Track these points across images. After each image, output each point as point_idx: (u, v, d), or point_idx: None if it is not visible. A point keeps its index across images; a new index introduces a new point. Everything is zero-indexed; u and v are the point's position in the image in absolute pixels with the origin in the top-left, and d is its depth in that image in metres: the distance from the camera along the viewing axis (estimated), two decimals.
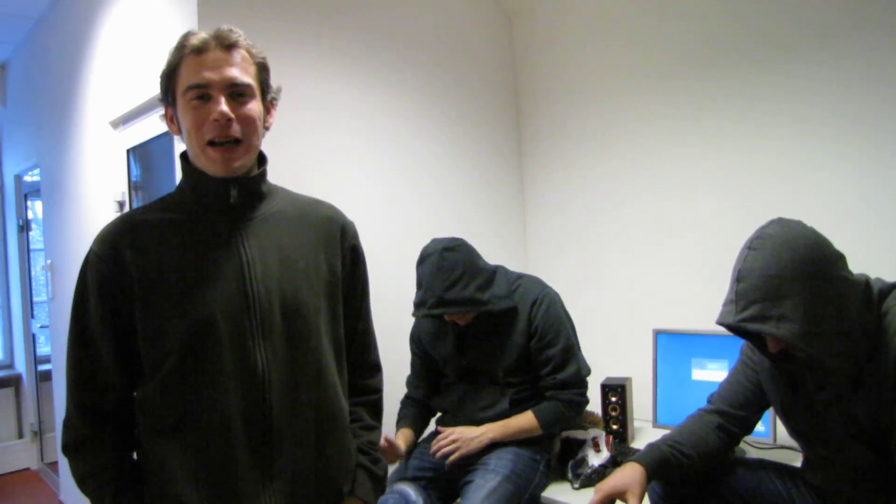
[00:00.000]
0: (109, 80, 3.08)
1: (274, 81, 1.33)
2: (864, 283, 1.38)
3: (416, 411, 2.31)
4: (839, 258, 1.36)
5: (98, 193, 3.27)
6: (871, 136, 2.23)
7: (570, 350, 2.12)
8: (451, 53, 3.11)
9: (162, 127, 2.71)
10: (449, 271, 2.04)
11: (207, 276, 1.23)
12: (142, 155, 3.06)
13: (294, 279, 1.29)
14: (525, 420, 2.09)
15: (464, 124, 3.14)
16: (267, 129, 1.33)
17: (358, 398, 1.46)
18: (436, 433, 2.28)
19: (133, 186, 3.09)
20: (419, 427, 2.29)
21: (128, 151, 3.07)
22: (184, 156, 1.32)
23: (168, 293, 1.21)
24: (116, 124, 3.11)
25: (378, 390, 1.51)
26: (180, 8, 2.40)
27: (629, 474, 1.52)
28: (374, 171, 2.80)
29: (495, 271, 2.19)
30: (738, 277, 1.36)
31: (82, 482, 1.26)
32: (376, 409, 1.49)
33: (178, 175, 2.44)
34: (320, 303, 1.32)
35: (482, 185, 3.20)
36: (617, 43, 2.93)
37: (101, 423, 1.25)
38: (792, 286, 1.29)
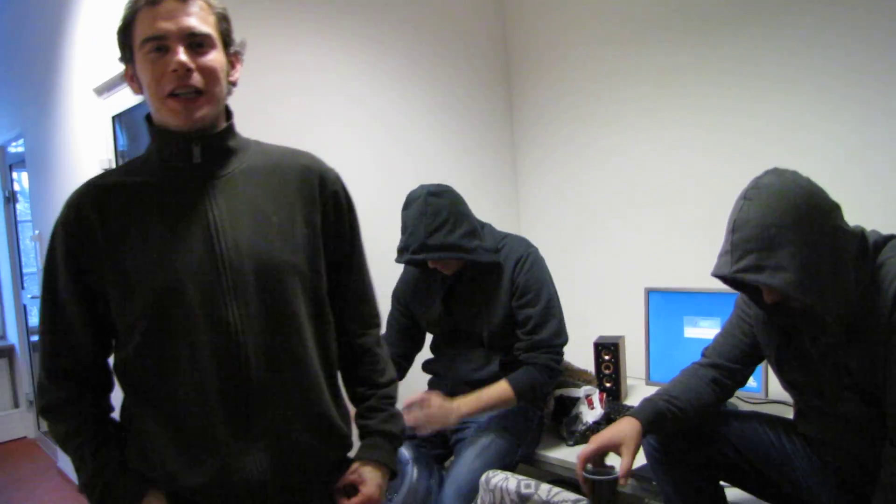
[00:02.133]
0: (93, 47, 3.02)
1: (239, 35, 1.29)
2: (860, 235, 1.38)
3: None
4: (835, 208, 1.35)
5: (84, 162, 3.23)
6: (860, 96, 2.22)
7: (550, 311, 2.07)
8: (441, 11, 3.06)
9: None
10: (433, 216, 1.99)
11: (174, 238, 1.20)
12: (128, 122, 3.02)
13: (267, 236, 1.25)
14: (499, 390, 2.01)
15: (454, 84, 3.10)
16: (233, 83, 1.28)
17: (361, 357, 1.42)
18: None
19: (120, 155, 3.05)
20: None
21: (113, 118, 3.03)
22: (149, 117, 1.28)
23: (134, 257, 1.20)
24: (101, 91, 3.06)
25: (381, 344, 1.47)
26: None
27: (625, 428, 1.53)
28: (364, 134, 2.77)
29: (483, 226, 2.15)
30: (734, 227, 1.34)
31: (63, 442, 1.26)
32: (383, 365, 1.45)
33: None
34: (298, 258, 1.28)
35: (473, 146, 3.17)
36: (609, 4, 2.88)
37: (76, 387, 1.25)
38: (787, 235, 1.28)
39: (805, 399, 1.53)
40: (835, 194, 1.39)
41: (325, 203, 1.33)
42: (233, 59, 1.28)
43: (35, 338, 4.95)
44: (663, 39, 2.71)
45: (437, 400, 1.98)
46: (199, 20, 1.19)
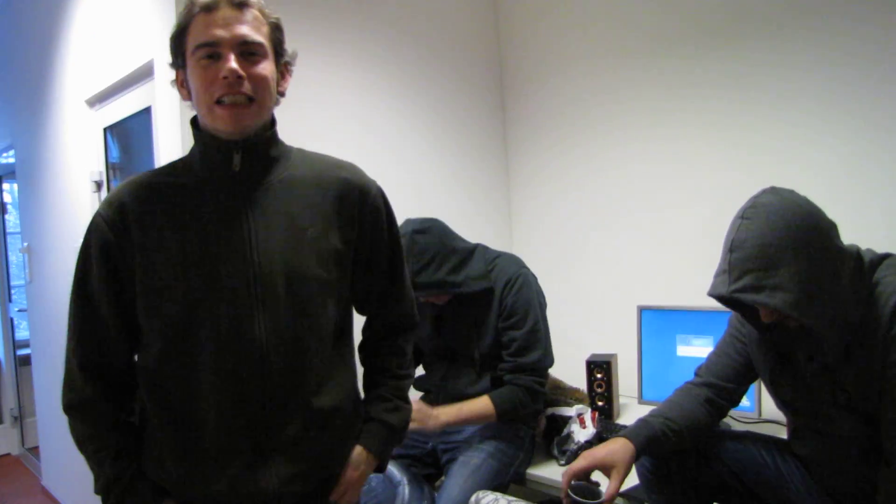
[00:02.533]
0: (85, 58, 3.01)
1: (290, 46, 1.29)
2: (856, 253, 1.37)
3: None
4: (832, 227, 1.35)
5: (75, 174, 3.21)
6: (859, 111, 2.22)
7: (536, 335, 2.05)
8: (435, 29, 3.06)
9: (139, 105, 2.68)
10: (419, 255, 1.99)
11: (208, 245, 1.20)
12: (120, 134, 3.00)
13: (300, 249, 1.25)
14: (480, 405, 2.01)
15: (448, 101, 3.10)
16: (281, 94, 1.29)
17: (390, 350, 1.43)
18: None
19: (111, 167, 3.04)
20: None
21: (105, 130, 3.02)
22: (194, 121, 1.28)
23: (167, 261, 1.19)
24: (93, 102, 3.05)
25: (409, 342, 1.47)
26: None
27: (618, 450, 1.51)
28: (357, 149, 2.75)
29: (473, 251, 2.13)
30: (731, 247, 1.33)
31: (81, 443, 1.25)
32: (407, 361, 1.45)
33: (157, 155, 2.43)
34: (330, 274, 1.27)
35: (466, 162, 3.16)
36: (603, 18, 2.89)
37: (104, 385, 1.24)
38: (786, 255, 1.27)
39: (800, 419, 1.52)
40: (833, 208, 1.39)
41: (363, 217, 1.33)
42: (283, 69, 1.28)
43: (21, 352, 4.90)
44: (657, 55, 2.72)
45: (416, 404, 1.97)
46: (252, 29, 1.20)
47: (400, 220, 2.11)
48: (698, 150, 2.62)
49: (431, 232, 2.05)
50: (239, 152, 1.23)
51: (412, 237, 2.01)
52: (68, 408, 1.25)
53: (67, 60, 3.23)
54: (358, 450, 1.34)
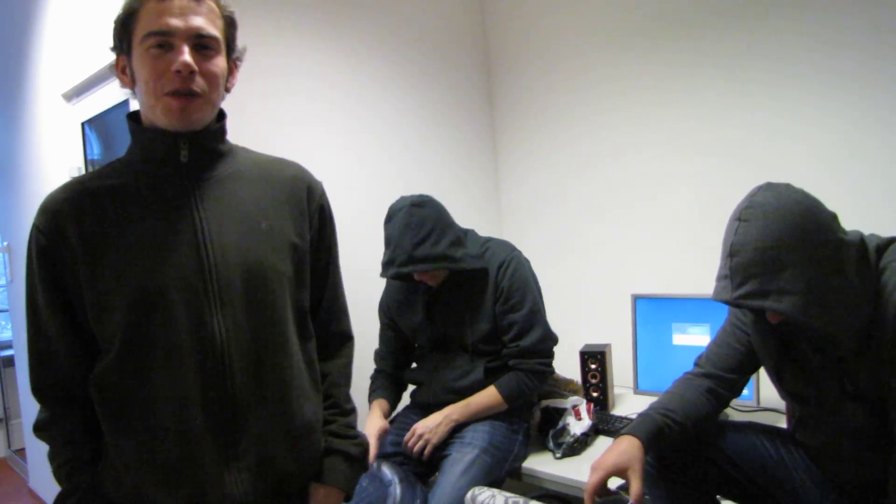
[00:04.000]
0: (61, 51, 2.94)
1: (240, 41, 1.24)
2: (859, 241, 1.32)
3: (387, 382, 2.24)
4: (832, 219, 1.29)
5: (53, 170, 3.14)
6: (860, 90, 2.17)
7: (536, 316, 2.04)
8: (419, 14, 3.00)
9: (117, 97, 2.61)
10: (418, 227, 1.95)
11: (157, 243, 1.14)
12: (100, 128, 2.93)
13: (256, 242, 1.20)
14: (487, 396, 2.01)
15: (434, 87, 3.04)
16: (228, 90, 1.23)
17: (329, 376, 1.36)
18: (410, 406, 2.23)
19: (90, 163, 2.96)
20: (393, 397, 2.23)
21: (83, 125, 2.95)
22: (132, 116, 1.22)
23: (113, 264, 1.13)
24: (70, 96, 2.98)
25: (348, 364, 1.42)
26: None
27: (627, 450, 1.45)
28: (343, 137, 2.70)
29: (466, 233, 2.12)
30: (731, 252, 1.28)
31: (49, 460, 1.21)
32: (347, 389, 1.40)
33: None
34: (286, 267, 1.23)
35: (454, 149, 3.11)
36: (590, 1, 2.84)
37: (62, 404, 1.20)
38: (789, 257, 1.23)
39: (805, 408, 1.48)
40: (829, 195, 1.34)
41: (311, 215, 1.30)
42: (232, 65, 1.23)
43: (5, 353, 4.83)
44: (647, 43, 2.66)
45: (419, 424, 2.01)
46: (207, 21, 1.14)
47: (385, 209, 2.08)
48: (692, 135, 2.57)
49: (429, 206, 2.02)
50: (186, 144, 1.18)
51: (409, 209, 1.98)
52: (33, 428, 1.22)
53: (42, 54, 3.16)
54: (325, 491, 1.29)
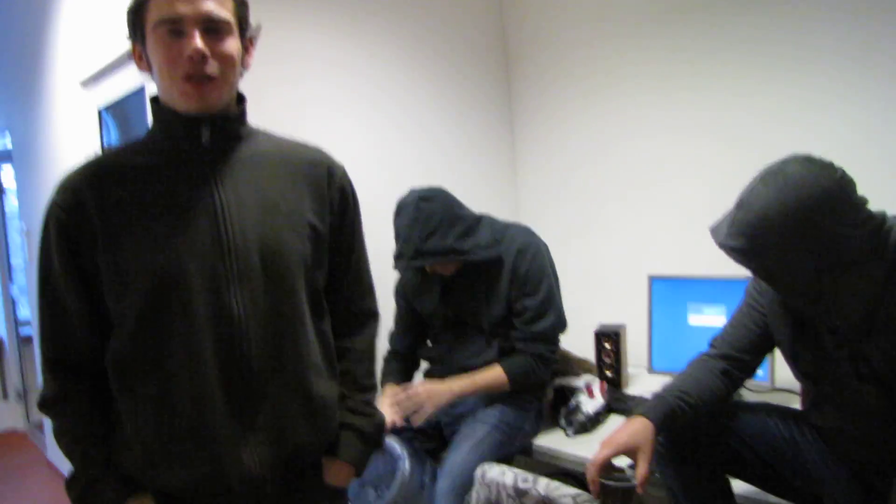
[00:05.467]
0: (77, 38, 2.96)
1: (253, 20, 1.23)
2: (881, 223, 1.29)
3: (400, 366, 2.25)
4: (852, 208, 1.26)
5: (70, 156, 3.16)
6: (878, 73, 2.11)
7: (550, 302, 2.03)
8: (441, 3, 2.98)
9: (133, 84, 2.61)
10: (426, 221, 1.96)
11: (176, 220, 1.15)
12: (119, 114, 2.95)
13: (275, 222, 1.21)
14: (493, 374, 2.01)
15: (452, 71, 3.02)
16: (245, 68, 1.24)
17: (350, 352, 1.37)
18: (422, 384, 2.23)
19: (107, 150, 2.98)
20: (405, 381, 2.23)
21: (100, 111, 2.96)
22: (154, 99, 1.22)
23: (132, 241, 1.14)
24: (87, 83, 3.00)
25: (370, 341, 1.43)
26: None
27: (639, 430, 1.44)
28: (362, 122, 2.70)
29: (479, 220, 2.10)
30: (740, 203, 1.31)
31: (57, 438, 1.21)
32: (370, 366, 1.41)
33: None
34: (305, 248, 1.23)
35: (472, 133, 3.09)
36: None
37: (73, 379, 1.20)
38: (781, 234, 1.24)
39: (820, 389, 1.46)
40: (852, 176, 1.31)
41: (332, 197, 1.30)
42: (247, 44, 1.23)
43: (24, 330, 4.90)
44: (666, 22, 2.62)
45: (422, 386, 1.99)
46: (217, 4, 1.14)
47: (403, 192, 2.08)
48: (709, 118, 2.54)
49: (437, 199, 2.02)
50: (207, 127, 1.18)
51: (417, 204, 1.98)
52: (41, 405, 1.21)
53: (60, 42, 3.18)
54: (337, 465, 1.30)
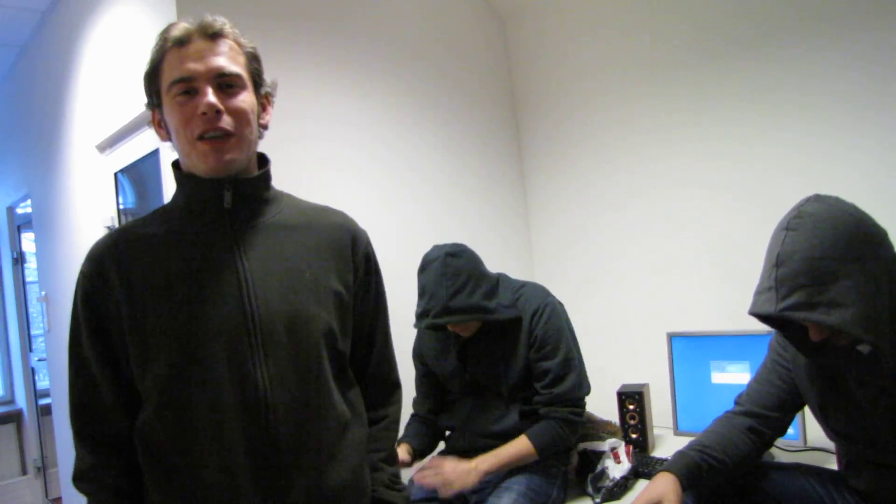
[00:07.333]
0: (94, 104, 3.02)
1: (268, 76, 1.24)
2: None
3: (420, 428, 2.19)
4: (884, 235, 1.25)
5: (87, 220, 3.20)
6: (887, 126, 2.13)
7: (569, 363, 1.99)
8: (446, 59, 3.04)
9: (148, 147, 2.66)
10: (454, 277, 1.92)
11: (200, 291, 1.14)
12: (135, 177, 2.99)
13: (299, 292, 1.19)
14: (519, 445, 1.94)
15: (462, 129, 3.06)
16: (264, 127, 1.24)
17: (377, 423, 1.35)
18: (444, 452, 2.18)
19: (123, 213, 3.02)
20: (421, 442, 2.16)
21: (116, 175, 3.01)
22: (175, 164, 1.23)
23: (154, 312, 1.13)
24: (103, 147, 3.05)
25: (397, 412, 1.41)
26: (161, 26, 2.33)
27: (662, 484, 1.41)
28: (373, 181, 2.71)
29: (498, 279, 2.08)
30: (777, 261, 1.23)
31: None
32: (396, 436, 1.40)
33: (166, 198, 2.40)
34: (330, 318, 1.21)
35: (484, 190, 3.11)
36: (613, 38, 2.84)
37: (105, 452, 1.18)
38: (840, 268, 1.17)
39: (854, 449, 1.41)
40: (875, 214, 1.29)
41: (356, 264, 1.29)
42: (263, 100, 1.24)
43: (43, 401, 4.87)
44: (674, 76, 2.65)
45: (449, 463, 1.91)
46: (228, 60, 1.16)
47: (416, 252, 2.08)
48: (721, 172, 2.54)
49: (464, 255, 1.99)
50: (230, 190, 1.18)
51: (445, 259, 1.95)
52: (75, 479, 1.19)
53: (77, 108, 3.24)
54: None
